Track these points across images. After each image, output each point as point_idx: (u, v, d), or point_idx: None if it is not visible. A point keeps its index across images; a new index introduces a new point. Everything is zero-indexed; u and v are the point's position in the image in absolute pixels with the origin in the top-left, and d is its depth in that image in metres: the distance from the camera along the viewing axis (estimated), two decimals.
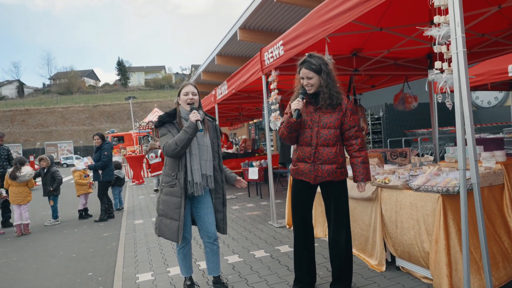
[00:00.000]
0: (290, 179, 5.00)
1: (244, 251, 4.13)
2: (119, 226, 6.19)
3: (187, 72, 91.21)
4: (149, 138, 19.53)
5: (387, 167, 3.77)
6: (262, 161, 7.99)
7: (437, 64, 2.29)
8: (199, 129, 2.59)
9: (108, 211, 7.00)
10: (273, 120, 4.84)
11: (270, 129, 5.10)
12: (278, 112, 4.88)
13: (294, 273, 3.29)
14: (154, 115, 17.24)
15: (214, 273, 2.93)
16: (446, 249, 2.49)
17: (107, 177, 6.90)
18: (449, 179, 2.57)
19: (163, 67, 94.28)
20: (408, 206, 2.85)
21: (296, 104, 2.61)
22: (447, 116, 10.48)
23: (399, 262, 3.11)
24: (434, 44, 2.26)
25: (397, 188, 2.95)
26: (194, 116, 2.62)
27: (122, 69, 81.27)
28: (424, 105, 7.49)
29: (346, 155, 2.81)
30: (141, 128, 17.75)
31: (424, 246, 2.71)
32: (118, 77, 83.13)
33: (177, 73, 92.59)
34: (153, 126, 17.33)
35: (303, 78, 2.70)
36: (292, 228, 5.01)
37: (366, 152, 2.75)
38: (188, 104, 2.78)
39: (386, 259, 3.22)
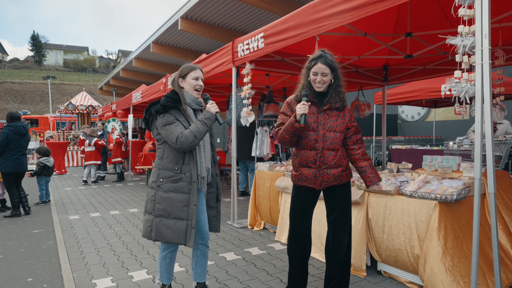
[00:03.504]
0: (252, 183, 4.82)
1: (212, 253, 3.84)
2: (51, 222, 5.39)
3: (113, 57, 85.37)
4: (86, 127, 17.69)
5: None
6: None
7: (457, 73, 2.31)
8: (221, 122, 2.40)
9: (23, 206, 5.96)
10: (245, 115, 4.62)
11: (240, 125, 4.87)
12: (250, 107, 4.67)
13: (277, 278, 3.15)
14: (85, 100, 15.66)
15: (201, 279, 2.62)
16: (441, 255, 2.54)
17: (4, 168, 5.64)
18: (446, 187, 2.64)
19: (86, 48, 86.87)
20: (399, 211, 2.87)
21: (302, 108, 2.42)
22: (370, 126, 11.28)
23: (381, 266, 3.14)
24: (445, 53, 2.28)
25: (389, 193, 2.96)
26: (214, 107, 2.42)
27: (37, 44, 72.77)
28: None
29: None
30: (66, 111, 15.97)
31: (415, 251, 2.75)
32: (31, 53, 74.30)
33: (101, 57, 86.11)
34: (82, 111, 15.75)
35: (315, 74, 2.52)
36: (254, 228, 4.88)
37: (370, 158, 2.70)
38: (196, 90, 2.45)
39: (366, 263, 3.22)
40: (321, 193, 2.70)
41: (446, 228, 2.58)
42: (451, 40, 2.27)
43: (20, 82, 56.09)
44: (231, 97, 5.03)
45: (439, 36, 2.45)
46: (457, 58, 2.28)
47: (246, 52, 4.60)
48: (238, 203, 6.57)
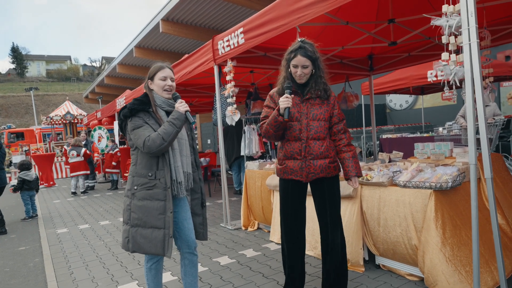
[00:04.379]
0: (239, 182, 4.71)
1: (205, 258, 3.71)
2: (38, 238, 5.20)
3: (97, 64, 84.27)
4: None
5: None
6: (202, 159, 7.53)
7: (444, 55, 2.22)
8: (191, 121, 2.26)
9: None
10: (230, 115, 4.48)
11: (225, 124, 4.73)
12: (235, 106, 4.54)
13: (273, 280, 3.04)
14: (68, 110, 15.35)
15: None
16: (440, 245, 2.45)
17: None
18: (440, 175, 2.55)
19: (68, 57, 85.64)
20: (394, 203, 2.78)
21: (286, 101, 2.32)
22: (360, 117, 11.25)
23: (380, 260, 3.05)
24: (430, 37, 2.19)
25: (382, 185, 2.87)
26: (183, 106, 2.25)
27: (18, 56, 71.43)
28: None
29: None
30: (50, 123, 15.64)
31: (413, 243, 2.66)
32: (13, 66, 72.91)
33: (85, 65, 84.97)
34: (66, 122, 15.43)
35: (296, 67, 2.43)
36: (248, 229, 4.76)
37: (355, 148, 2.60)
38: (165, 91, 2.31)
39: (364, 258, 3.13)
40: (309, 189, 2.59)
41: (444, 216, 2.49)
42: (435, 21, 2.18)
43: (3, 96, 54.98)
44: (216, 97, 4.89)
45: (424, 15, 2.33)
46: (444, 39, 2.18)
47: (227, 49, 4.47)
48: (232, 204, 6.45)
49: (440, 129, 9.63)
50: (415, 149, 3.51)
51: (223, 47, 4.55)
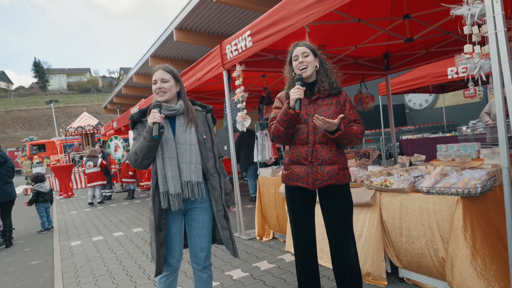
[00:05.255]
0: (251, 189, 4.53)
1: (217, 271, 3.55)
2: (51, 251, 5.16)
3: (115, 75, 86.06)
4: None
5: (372, 168, 3.49)
6: None
7: (467, 47, 1.99)
8: (154, 135, 1.97)
9: (4, 237, 5.68)
10: (240, 120, 4.33)
11: (236, 130, 4.59)
12: (245, 111, 4.39)
13: None
14: (83, 121, 15.60)
15: None
16: (471, 258, 2.21)
17: None
18: (467, 179, 2.31)
19: (88, 70, 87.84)
20: (417, 211, 2.55)
21: (297, 92, 2.19)
22: (378, 118, 10.91)
23: (403, 273, 2.81)
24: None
25: (403, 191, 2.64)
26: (151, 117, 2.01)
27: (40, 70, 73.77)
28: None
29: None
30: (68, 134, 15.91)
31: (439, 255, 2.42)
32: (35, 80, 75.35)
33: (104, 76, 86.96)
34: (85, 132, 15.69)
35: (296, 59, 2.34)
36: (263, 239, 4.58)
37: (362, 132, 2.31)
38: (157, 94, 2.17)
39: (386, 271, 2.89)
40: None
41: (473, 226, 2.24)
42: (456, 11, 1.96)
43: (26, 109, 56.85)
44: (225, 102, 4.75)
45: (443, 5, 2.11)
46: (466, 30, 1.96)
47: (235, 53, 4.33)
48: (247, 211, 6.28)
49: (464, 128, 9.20)
50: (438, 151, 3.26)
51: (231, 51, 4.42)
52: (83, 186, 14.56)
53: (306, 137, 2.29)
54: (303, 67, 2.31)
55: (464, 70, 1.96)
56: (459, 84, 9.59)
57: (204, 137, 2.24)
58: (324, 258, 3.30)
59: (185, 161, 2.14)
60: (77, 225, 6.86)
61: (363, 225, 2.96)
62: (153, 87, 2.19)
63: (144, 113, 2.20)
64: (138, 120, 2.18)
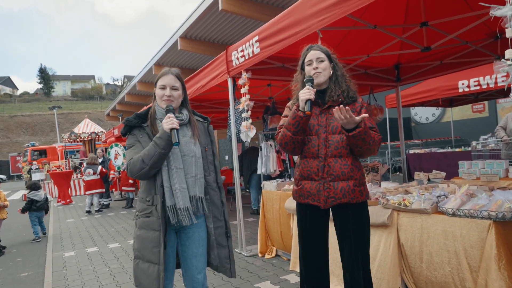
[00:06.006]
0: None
1: None
2: (43, 262, 4.90)
3: (119, 83, 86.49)
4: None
5: (386, 184, 3.25)
6: None
7: (509, 53, 1.77)
8: (174, 142, 1.82)
9: None
10: (245, 130, 4.11)
11: (240, 141, 4.36)
12: (250, 121, 4.17)
13: None
14: (87, 127, 15.44)
15: None
16: None
17: None
18: (500, 202, 2.06)
19: (92, 77, 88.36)
20: (441, 234, 2.29)
21: (307, 92, 1.98)
22: (384, 131, 10.69)
23: None
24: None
25: (425, 212, 2.39)
26: (169, 122, 1.84)
27: (45, 77, 74.22)
28: None
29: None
30: (69, 140, 15.73)
31: (467, 286, 2.16)
32: (40, 86, 75.78)
33: (108, 84, 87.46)
34: (85, 139, 15.51)
35: (310, 63, 2.13)
36: (265, 256, 4.29)
37: (379, 139, 2.07)
38: (164, 101, 1.97)
39: None
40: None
41: (508, 255, 1.99)
42: (496, 11, 1.74)
43: (30, 115, 57.03)
44: (230, 111, 4.54)
45: (480, 4, 1.86)
46: (508, 33, 1.74)
47: (241, 59, 4.13)
48: (248, 225, 6.01)
49: (474, 143, 8.94)
50: (459, 168, 3.02)
51: (237, 58, 4.22)
52: (82, 193, 14.32)
53: (317, 150, 2.06)
54: (317, 74, 2.10)
55: (504, 78, 1.73)
56: (469, 98, 9.38)
57: (206, 149, 2.06)
58: (334, 281, 3.03)
59: (190, 175, 1.95)
60: (72, 234, 6.60)
61: (378, 247, 2.70)
62: (160, 92, 1.98)
63: (143, 117, 2.00)
64: (135, 125, 1.97)
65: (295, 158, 6.13)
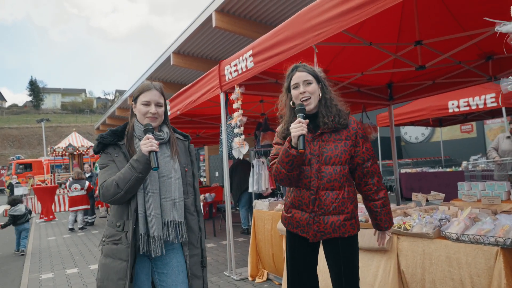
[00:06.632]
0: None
1: None
2: (18, 283, 4.60)
3: (110, 97, 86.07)
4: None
5: None
6: (207, 195, 6.96)
7: None
8: (153, 166, 1.64)
9: None
10: (237, 147, 3.97)
11: (232, 157, 4.21)
12: (242, 137, 4.04)
13: None
14: (75, 141, 15.10)
15: None
16: None
17: None
18: (507, 227, 1.95)
19: (83, 90, 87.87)
20: (444, 261, 2.16)
21: (298, 128, 1.80)
22: (375, 150, 10.66)
23: None
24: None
25: (427, 237, 2.25)
26: (147, 144, 1.66)
27: (35, 89, 73.49)
28: None
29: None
30: (56, 154, 15.35)
31: None
32: (30, 98, 74.92)
33: (99, 98, 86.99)
34: (79, 153, 15.15)
35: (297, 87, 1.97)
36: (255, 280, 4.09)
37: (386, 192, 2.03)
38: (148, 118, 1.81)
39: None
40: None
41: None
42: (502, 27, 1.66)
43: (17, 127, 56.09)
44: (222, 127, 4.40)
45: (485, 19, 1.78)
46: None
47: (234, 74, 4.03)
48: (238, 245, 5.79)
49: (465, 163, 8.93)
50: (459, 190, 2.91)
51: (230, 73, 4.12)
52: (66, 209, 13.88)
53: (309, 182, 1.92)
54: (305, 98, 1.94)
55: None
56: (458, 118, 9.46)
57: (186, 169, 1.89)
58: None
59: (168, 197, 1.77)
60: (52, 253, 6.28)
61: (376, 274, 2.55)
62: (143, 108, 1.82)
63: (119, 134, 1.82)
64: (109, 143, 1.79)
65: None
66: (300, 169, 1.92)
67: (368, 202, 2.02)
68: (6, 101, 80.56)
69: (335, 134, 1.96)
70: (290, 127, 1.84)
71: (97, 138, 1.79)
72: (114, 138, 1.79)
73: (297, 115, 1.86)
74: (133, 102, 1.87)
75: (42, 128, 27.40)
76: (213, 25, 8.64)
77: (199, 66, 12.29)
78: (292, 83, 2.00)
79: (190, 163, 1.95)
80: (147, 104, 1.81)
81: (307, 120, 1.86)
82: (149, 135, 1.69)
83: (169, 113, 6.00)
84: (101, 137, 1.78)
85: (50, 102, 79.62)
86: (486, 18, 1.75)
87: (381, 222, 2.00)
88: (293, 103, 2.01)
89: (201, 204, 6.56)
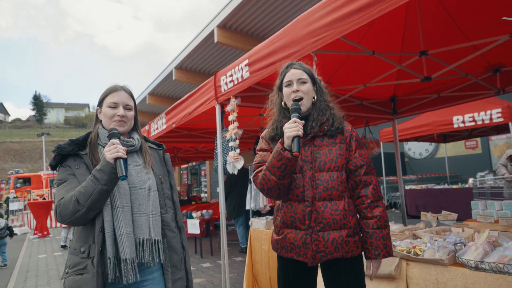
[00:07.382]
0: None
1: None
2: None
3: None
4: None
5: (390, 226, 2.85)
6: (204, 211, 6.69)
7: None
8: (120, 175, 1.41)
9: None
10: (232, 161, 3.74)
11: (226, 173, 3.98)
12: (238, 151, 3.81)
13: None
14: None
15: None
16: None
17: None
18: None
19: (87, 105, 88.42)
20: None
21: (294, 128, 1.59)
22: (379, 166, 10.40)
23: None
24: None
25: (441, 263, 1.99)
26: (112, 150, 1.44)
27: (39, 104, 74.03)
28: None
29: None
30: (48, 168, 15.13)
31: None
32: (33, 113, 75.39)
33: None
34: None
35: (290, 85, 1.78)
36: None
37: (384, 209, 1.74)
38: (115, 122, 1.60)
39: None
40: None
41: None
42: None
43: (19, 141, 56.20)
44: (217, 140, 4.19)
45: (503, 18, 1.56)
46: None
47: (230, 85, 3.83)
48: (236, 266, 5.49)
49: (471, 180, 8.65)
50: (473, 209, 2.66)
51: (226, 83, 3.92)
52: (61, 225, 13.58)
53: (302, 192, 1.68)
54: (297, 97, 1.74)
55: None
56: (463, 134, 9.25)
57: (162, 180, 1.66)
58: None
59: (143, 212, 1.53)
60: (39, 272, 5.99)
61: None
62: (110, 111, 1.60)
63: (80, 144, 1.59)
64: (71, 154, 1.56)
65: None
66: (291, 177, 1.69)
67: (360, 220, 1.72)
68: (9, 115, 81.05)
69: (328, 138, 1.75)
70: (284, 127, 1.63)
71: (54, 149, 1.56)
72: (74, 147, 1.56)
73: (292, 115, 1.66)
74: (98, 107, 1.66)
75: (43, 142, 27.28)
76: (215, 40, 8.63)
77: (201, 81, 12.20)
78: (285, 80, 1.81)
79: (166, 173, 1.73)
80: (114, 106, 1.60)
81: (303, 121, 1.65)
82: (114, 140, 1.47)
83: (164, 126, 5.83)
84: (58, 148, 1.55)
85: (54, 116, 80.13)
86: (504, 18, 1.54)
87: (371, 247, 1.65)
88: (285, 104, 1.80)
89: (198, 221, 6.29)
